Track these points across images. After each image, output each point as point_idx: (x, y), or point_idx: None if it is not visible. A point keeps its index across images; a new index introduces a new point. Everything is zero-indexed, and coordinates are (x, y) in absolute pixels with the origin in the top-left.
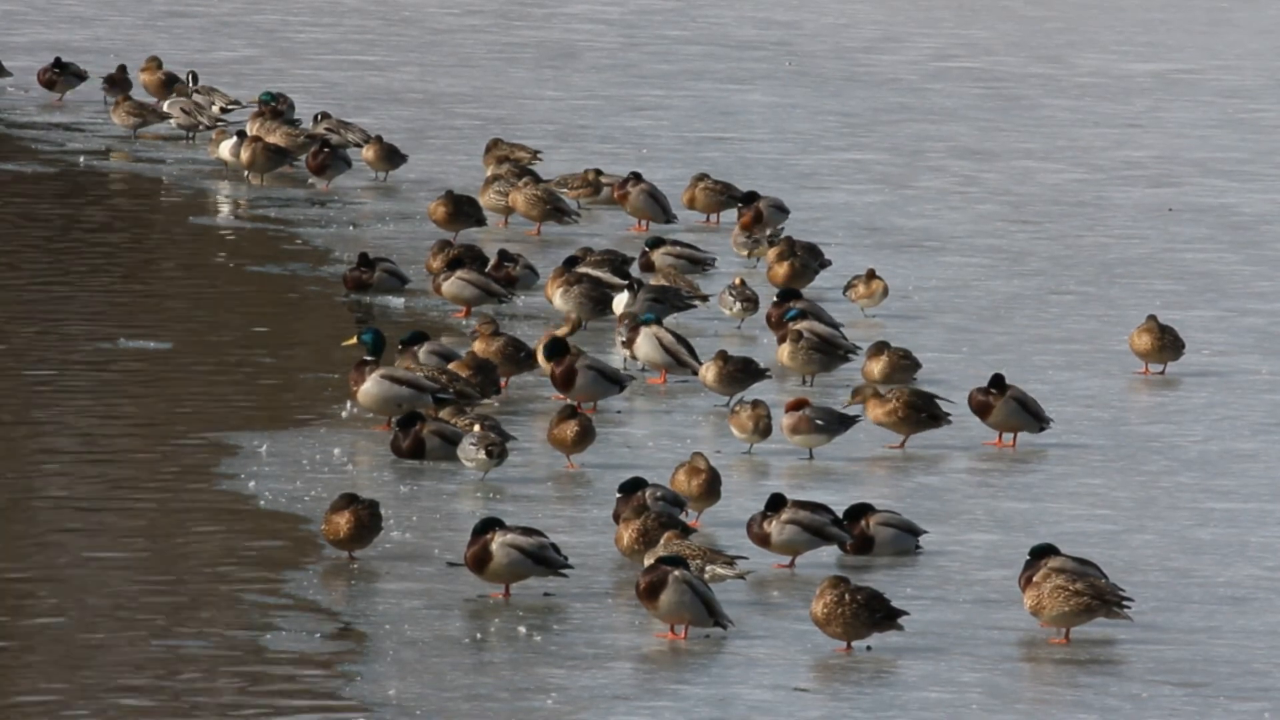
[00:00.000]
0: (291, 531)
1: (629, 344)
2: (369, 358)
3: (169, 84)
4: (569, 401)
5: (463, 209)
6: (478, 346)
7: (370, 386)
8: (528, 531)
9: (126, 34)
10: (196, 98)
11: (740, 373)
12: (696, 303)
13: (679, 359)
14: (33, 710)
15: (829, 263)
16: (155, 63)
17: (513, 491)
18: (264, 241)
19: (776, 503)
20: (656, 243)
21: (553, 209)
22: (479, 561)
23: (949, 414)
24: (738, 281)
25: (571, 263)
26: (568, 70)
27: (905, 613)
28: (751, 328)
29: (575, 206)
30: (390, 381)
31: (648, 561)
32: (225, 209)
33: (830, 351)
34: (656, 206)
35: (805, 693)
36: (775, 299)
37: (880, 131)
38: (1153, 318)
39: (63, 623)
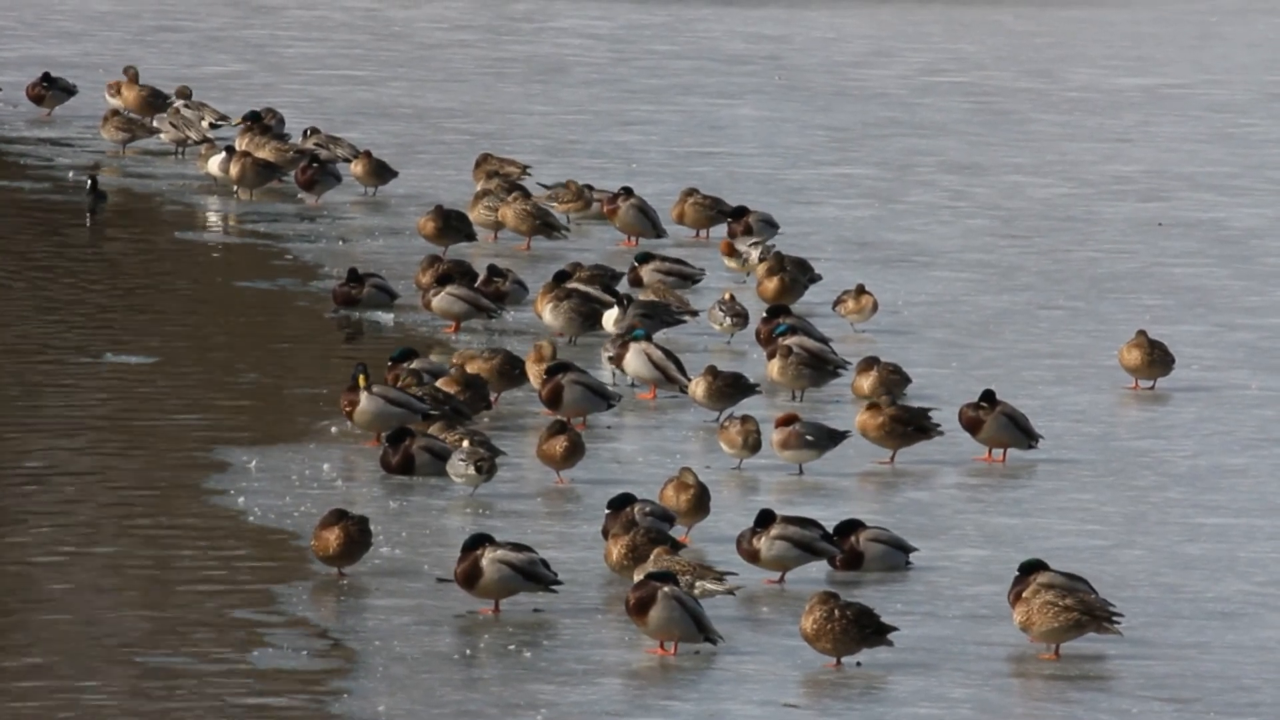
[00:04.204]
0: (281, 547)
1: (617, 359)
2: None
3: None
4: (558, 417)
5: (452, 224)
6: (469, 365)
7: (366, 405)
8: (517, 547)
9: (115, 49)
10: (186, 112)
11: (730, 388)
12: (686, 318)
13: (668, 374)
14: (30, 716)
15: (819, 277)
16: (116, 87)
17: (502, 507)
18: (253, 256)
19: (766, 518)
20: (645, 258)
21: (542, 224)
22: (469, 577)
23: (938, 424)
24: (727, 296)
25: (561, 278)
26: (557, 85)
27: (895, 628)
28: (741, 343)
29: (565, 221)
30: (384, 401)
31: (637, 577)
32: (214, 224)
33: (820, 367)
34: (646, 221)
35: (795, 708)
36: (765, 314)
37: (869, 146)
38: (1142, 333)
39: (50, 639)
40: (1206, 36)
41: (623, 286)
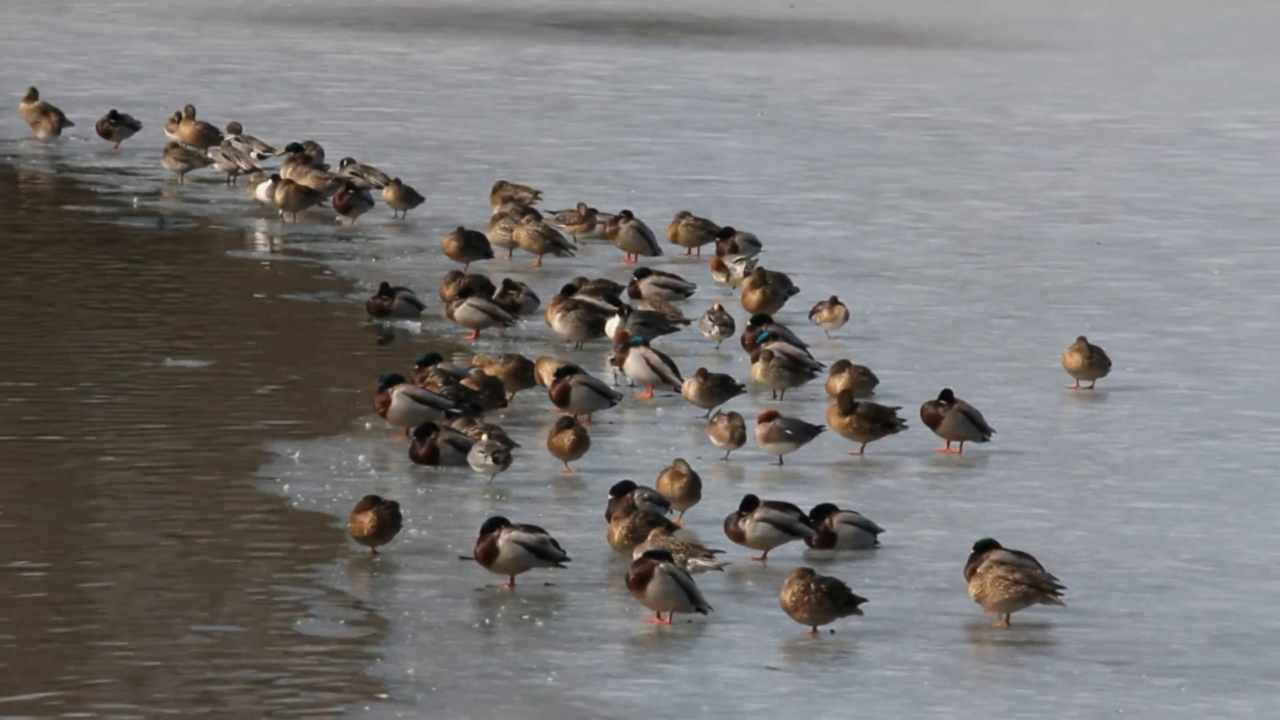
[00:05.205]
0: (321, 529)
1: (618, 362)
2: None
3: (207, 135)
4: (566, 414)
5: (472, 243)
6: (488, 368)
7: (398, 403)
8: (530, 529)
9: (174, 89)
10: (237, 145)
11: (718, 388)
12: (679, 326)
13: (664, 376)
14: (101, 681)
15: (797, 290)
16: (175, 122)
17: (517, 493)
18: (296, 272)
19: (750, 503)
20: (643, 273)
21: (552, 243)
22: (487, 555)
23: (904, 420)
24: (716, 307)
25: (569, 291)
26: (565, 120)
27: (864, 600)
28: (728, 348)
29: (572, 241)
30: (412, 399)
31: (636, 555)
32: (261, 244)
33: (798, 369)
34: (644, 241)
35: (776, 671)
36: (749, 323)
37: (842, 174)
38: (1083, 339)
39: (119, 608)
40: (1140, 78)
41: (624, 298)
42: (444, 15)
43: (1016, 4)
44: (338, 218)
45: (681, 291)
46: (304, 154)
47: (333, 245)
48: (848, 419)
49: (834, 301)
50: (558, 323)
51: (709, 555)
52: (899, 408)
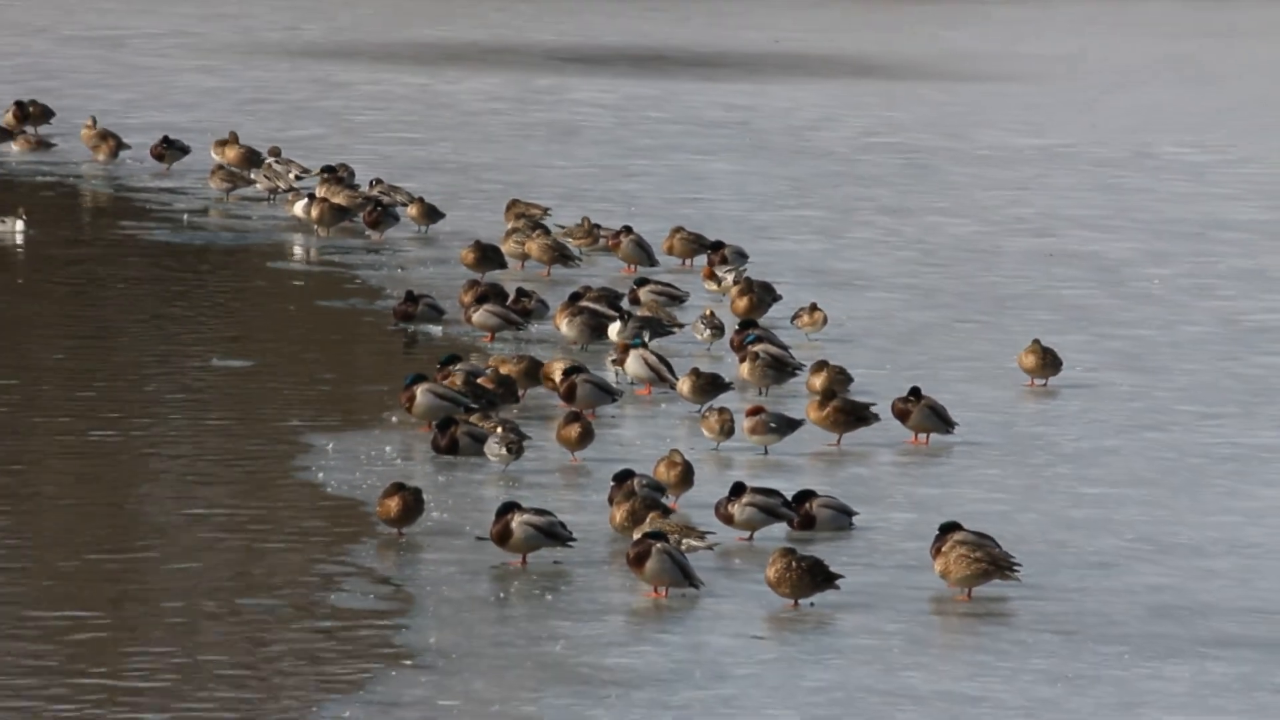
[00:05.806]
0: (352, 513)
1: (619, 362)
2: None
3: (251, 158)
4: (573, 409)
5: (488, 255)
6: (502, 367)
7: (421, 399)
8: (540, 512)
9: (221, 116)
10: (277, 167)
11: (709, 385)
12: (674, 330)
13: (660, 375)
14: (151, 648)
15: (780, 298)
16: (221, 146)
17: (528, 480)
18: (329, 281)
19: (738, 489)
20: (642, 282)
21: (560, 255)
22: (502, 536)
23: (877, 415)
24: (707, 313)
25: (575, 298)
26: (572, 144)
27: (841, 576)
28: (718, 350)
29: (578, 253)
30: (434, 396)
31: (636, 536)
32: (298, 255)
33: (781, 369)
34: (643, 253)
35: (761, 640)
36: (737, 327)
37: (820, 193)
38: (1037, 341)
39: (170, 585)
40: (1089, 107)
41: (624, 305)
42: (463, 50)
43: (977, 40)
44: (367, 232)
45: (676, 299)
46: (337, 175)
47: (362, 257)
48: (826, 413)
49: (813, 308)
50: (565, 327)
51: (701, 536)
52: (873, 403)
